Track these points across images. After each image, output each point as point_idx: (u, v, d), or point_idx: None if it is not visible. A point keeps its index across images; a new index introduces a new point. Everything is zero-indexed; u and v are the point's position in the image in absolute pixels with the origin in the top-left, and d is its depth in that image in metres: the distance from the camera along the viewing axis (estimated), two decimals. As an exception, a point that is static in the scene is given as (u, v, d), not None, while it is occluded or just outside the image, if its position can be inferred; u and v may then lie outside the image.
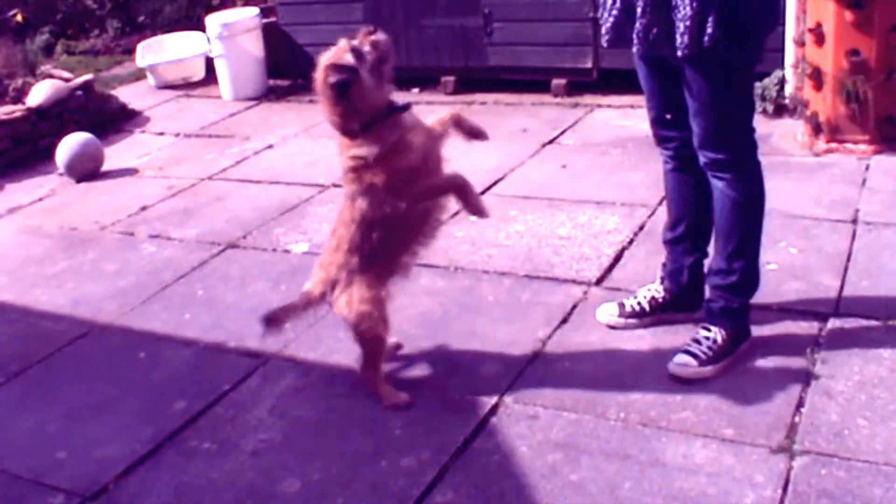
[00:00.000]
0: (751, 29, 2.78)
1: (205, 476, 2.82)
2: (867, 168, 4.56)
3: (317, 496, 2.67)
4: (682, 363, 2.98)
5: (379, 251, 2.98)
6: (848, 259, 3.66)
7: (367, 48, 2.88)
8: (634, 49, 2.91)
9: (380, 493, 2.65)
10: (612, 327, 3.29)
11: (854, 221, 3.99)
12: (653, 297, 3.29)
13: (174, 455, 2.93)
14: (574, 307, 3.53)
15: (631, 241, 4.02)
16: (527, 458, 2.72)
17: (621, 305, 3.31)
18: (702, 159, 2.97)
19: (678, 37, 2.73)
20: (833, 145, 4.79)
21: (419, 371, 3.23)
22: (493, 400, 3.01)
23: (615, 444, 2.74)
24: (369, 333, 3.00)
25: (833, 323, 3.23)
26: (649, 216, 4.19)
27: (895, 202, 4.15)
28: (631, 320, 3.28)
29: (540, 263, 3.92)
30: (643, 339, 3.25)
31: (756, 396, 2.87)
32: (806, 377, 2.94)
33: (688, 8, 2.68)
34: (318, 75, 2.89)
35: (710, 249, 3.17)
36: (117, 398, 3.30)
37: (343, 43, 2.88)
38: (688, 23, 2.69)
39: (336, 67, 2.85)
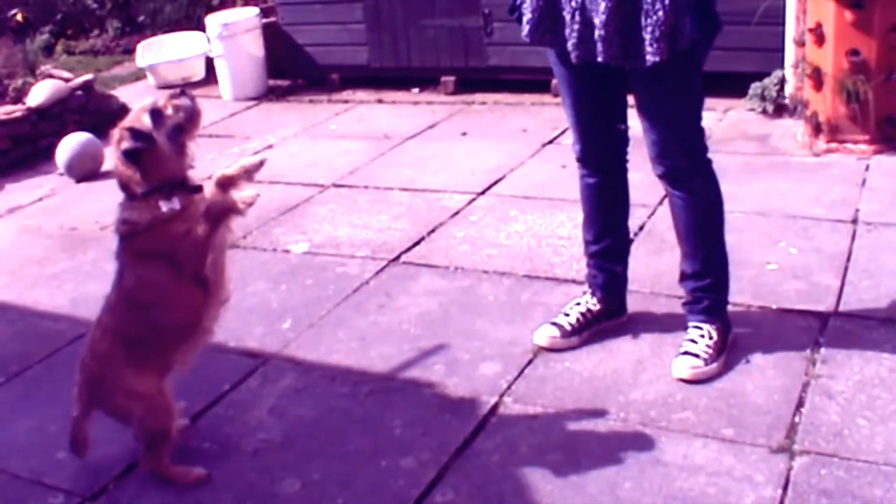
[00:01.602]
0: (717, 22, 2.76)
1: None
2: (867, 168, 4.56)
3: (317, 496, 2.67)
4: (690, 366, 2.97)
5: (148, 337, 2.73)
6: (848, 259, 3.66)
7: (169, 111, 2.71)
8: (575, 56, 2.79)
9: (380, 493, 2.65)
10: (553, 349, 3.22)
11: (854, 221, 3.99)
12: (588, 311, 3.26)
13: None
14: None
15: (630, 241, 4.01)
16: (527, 458, 2.72)
17: (559, 327, 3.24)
18: (657, 170, 2.94)
19: (650, 43, 2.62)
20: (833, 145, 4.79)
21: (419, 371, 3.23)
22: (493, 400, 3.01)
23: (615, 444, 2.74)
24: (155, 426, 2.72)
25: (833, 323, 3.23)
26: (649, 216, 4.18)
27: (895, 202, 4.15)
28: (573, 338, 3.23)
29: (540, 263, 3.92)
30: (643, 339, 3.25)
31: (756, 396, 2.87)
32: (806, 377, 2.94)
33: (660, 13, 2.59)
34: (114, 134, 2.72)
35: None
36: (117, 398, 3.30)
37: (146, 102, 2.70)
38: (662, 28, 2.60)
39: (131, 131, 2.68)
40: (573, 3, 2.74)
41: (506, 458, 2.73)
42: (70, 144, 5.78)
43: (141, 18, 9.23)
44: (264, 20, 7.27)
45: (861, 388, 2.86)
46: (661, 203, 4.33)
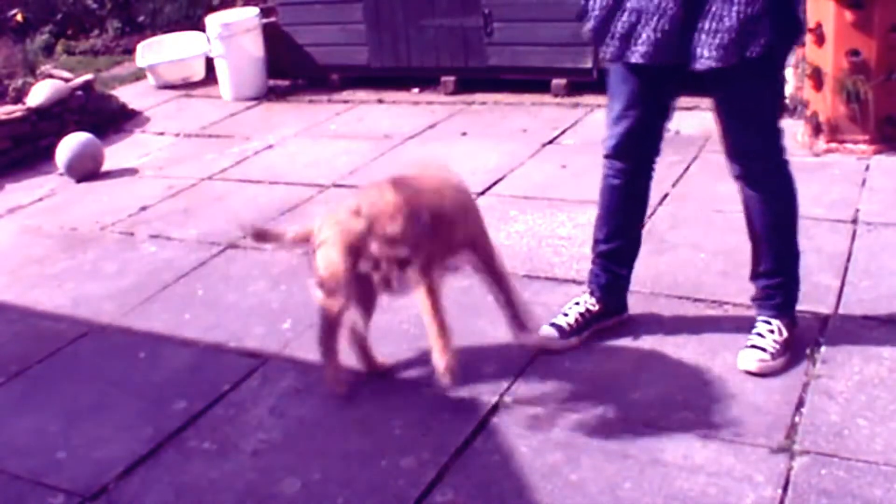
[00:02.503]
0: (797, 24, 2.77)
1: (205, 476, 2.82)
2: (867, 168, 4.56)
3: (317, 496, 2.67)
4: (758, 358, 2.98)
5: None
6: (848, 259, 3.66)
7: None
8: (643, 56, 2.81)
9: (380, 493, 2.65)
10: (553, 350, 3.21)
11: (854, 221, 3.99)
12: (587, 311, 3.26)
13: (174, 455, 2.93)
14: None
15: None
16: (527, 458, 2.72)
17: (558, 328, 3.24)
18: (735, 170, 2.96)
19: (717, 48, 2.65)
20: (833, 145, 4.79)
21: (419, 371, 3.23)
22: (493, 400, 3.01)
23: (615, 444, 2.74)
24: None
25: (833, 323, 3.23)
26: (649, 216, 4.18)
27: (895, 202, 4.15)
28: (572, 338, 3.23)
29: (540, 263, 3.92)
30: (643, 340, 3.25)
31: (756, 396, 2.87)
32: (806, 377, 2.94)
33: (730, 19, 2.63)
34: None
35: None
36: (117, 398, 3.30)
37: None
38: (731, 34, 2.63)
39: None
40: (640, 5, 2.76)
41: (506, 458, 2.73)
42: (70, 144, 5.78)
43: (141, 18, 9.23)
44: (264, 20, 7.27)
45: (861, 388, 2.86)
46: (661, 203, 4.33)
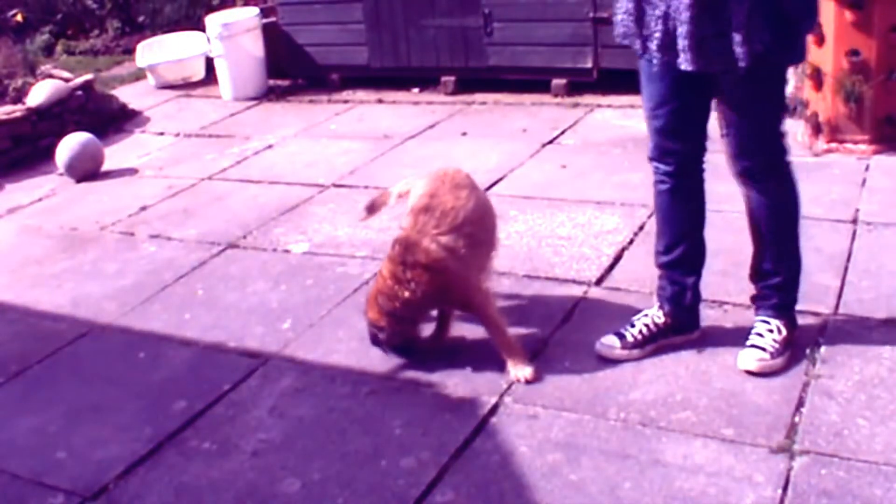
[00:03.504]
0: (796, 27, 2.74)
1: (205, 476, 2.82)
2: (867, 168, 4.56)
3: (317, 496, 2.67)
4: (758, 358, 2.97)
5: None
6: (848, 259, 3.66)
7: None
8: (658, 61, 2.81)
9: (380, 493, 2.65)
10: (613, 360, 3.14)
11: (854, 221, 3.99)
12: (654, 323, 3.16)
13: (174, 455, 2.94)
14: (574, 307, 3.53)
15: (631, 241, 4.02)
16: (527, 458, 2.72)
17: (622, 337, 3.16)
18: (736, 168, 2.95)
19: (737, 47, 2.66)
20: (833, 145, 4.79)
21: (419, 371, 3.23)
22: (493, 400, 3.01)
23: (615, 444, 2.74)
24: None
25: (833, 323, 3.23)
26: (649, 216, 4.18)
27: (895, 202, 4.15)
28: (634, 351, 3.14)
29: (540, 263, 3.92)
30: (643, 339, 3.25)
31: (756, 396, 2.87)
32: (806, 377, 2.94)
33: (738, 21, 2.63)
34: None
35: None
36: (117, 398, 3.30)
37: None
38: (740, 37, 2.63)
39: None
40: (658, 11, 2.76)
41: (506, 458, 2.73)
42: (70, 144, 5.78)
43: (141, 18, 9.24)
44: (264, 20, 7.28)
45: (861, 388, 2.86)
46: (661, 203, 4.32)
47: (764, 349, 2.99)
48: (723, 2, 2.64)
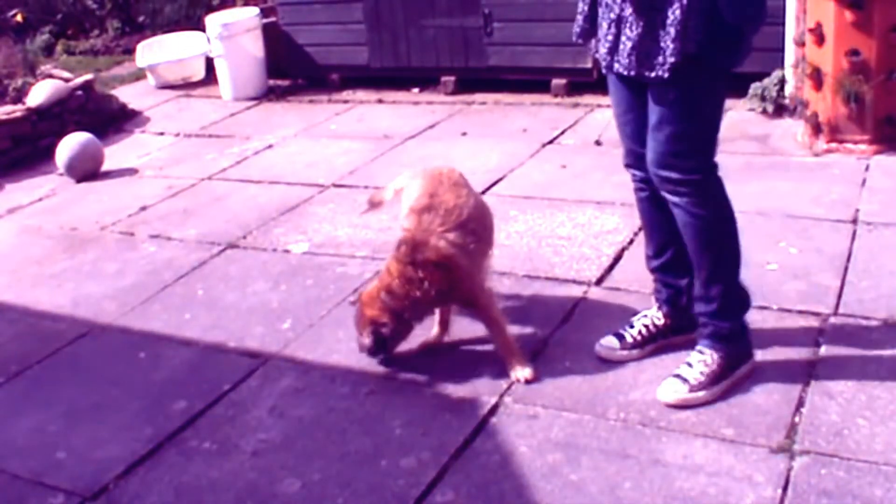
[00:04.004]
0: (736, 30, 2.62)
1: (205, 476, 2.82)
2: (867, 168, 4.56)
3: (317, 496, 2.67)
4: (674, 390, 2.87)
5: None
6: (848, 259, 3.66)
7: None
8: (604, 64, 2.77)
9: (380, 493, 2.65)
10: (613, 361, 3.13)
11: (854, 221, 3.99)
12: (653, 324, 3.13)
13: (174, 455, 2.94)
14: (574, 307, 3.53)
15: (631, 241, 4.02)
16: (527, 458, 2.72)
17: (621, 338, 3.13)
18: (655, 179, 2.81)
19: (666, 46, 2.58)
20: (833, 145, 4.79)
21: (419, 371, 3.23)
22: (493, 400, 3.01)
23: (615, 444, 2.74)
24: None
25: (833, 323, 3.23)
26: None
27: (895, 202, 4.15)
28: (634, 351, 3.12)
29: (540, 263, 3.92)
30: (643, 339, 3.25)
31: (756, 396, 2.87)
32: (806, 377, 2.94)
33: (676, 14, 2.55)
34: None
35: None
36: (117, 398, 3.30)
37: None
38: (673, 32, 2.56)
39: None
40: (611, 15, 2.70)
41: (506, 458, 2.73)
42: (70, 144, 5.78)
43: (141, 18, 9.24)
44: (264, 20, 7.28)
45: (861, 388, 2.86)
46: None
47: (686, 381, 2.86)
48: (661, 5, 2.57)
